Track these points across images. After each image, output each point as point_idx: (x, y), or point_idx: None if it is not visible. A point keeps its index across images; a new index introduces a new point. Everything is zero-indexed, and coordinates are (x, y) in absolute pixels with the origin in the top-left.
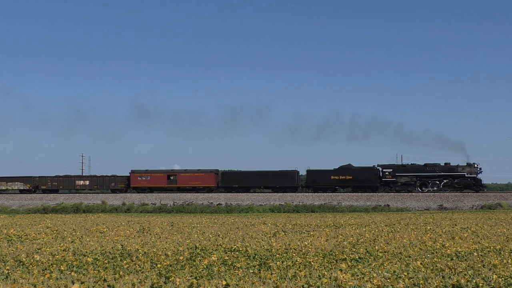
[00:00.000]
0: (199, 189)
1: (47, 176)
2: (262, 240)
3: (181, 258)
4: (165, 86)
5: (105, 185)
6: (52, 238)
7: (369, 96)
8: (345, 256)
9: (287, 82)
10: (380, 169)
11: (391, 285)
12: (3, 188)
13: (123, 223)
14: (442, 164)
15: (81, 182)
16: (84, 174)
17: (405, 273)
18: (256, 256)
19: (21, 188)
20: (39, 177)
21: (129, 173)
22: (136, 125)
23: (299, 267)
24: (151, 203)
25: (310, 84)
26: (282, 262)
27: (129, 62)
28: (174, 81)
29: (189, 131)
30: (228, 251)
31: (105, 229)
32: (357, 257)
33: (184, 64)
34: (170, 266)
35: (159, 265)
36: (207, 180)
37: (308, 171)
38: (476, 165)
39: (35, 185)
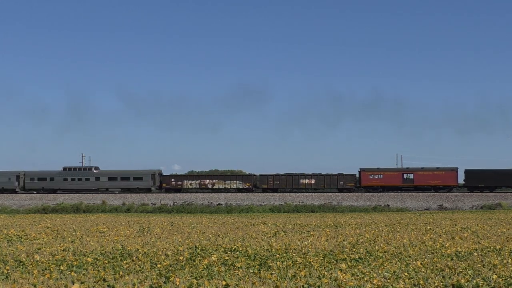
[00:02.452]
0: (437, 188)
1: (268, 175)
2: (262, 240)
3: (181, 258)
4: (161, 82)
5: (332, 184)
6: (52, 238)
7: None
8: (345, 256)
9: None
10: None
11: (391, 285)
12: (221, 186)
13: (123, 223)
14: None
15: (306, 181)
16: (309, 173)
17: (405, 273)
18: (256, 256)
19: (240, 187)
20: (260, 175)
21: (358, 171)
22: (134, 122)
23: (299, 267)
24: (151, 203)
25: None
26: (282, 262)
27: (121, 57)
28: (172, 77)
29: (189, 125)
30: (228, 251)
31: (105, 229)
32: (357, 257)
33: (182, 60)
34: (170, 266)
35: (159, 265)
36: (448, 179)
37: None
38: None
39: (254, 183)
